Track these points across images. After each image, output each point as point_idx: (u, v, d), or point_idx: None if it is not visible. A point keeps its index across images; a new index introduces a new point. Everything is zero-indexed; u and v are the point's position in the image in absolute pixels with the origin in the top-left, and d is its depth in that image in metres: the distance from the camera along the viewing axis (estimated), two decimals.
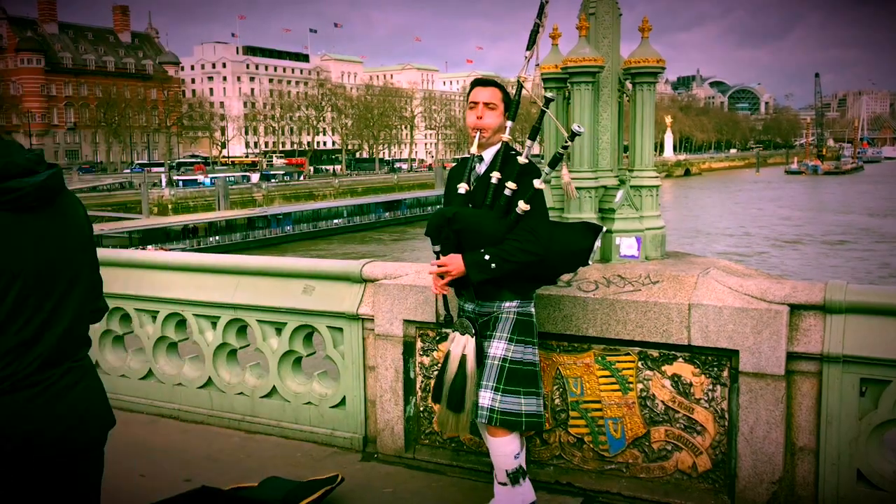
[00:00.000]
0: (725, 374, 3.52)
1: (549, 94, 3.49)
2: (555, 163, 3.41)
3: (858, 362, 3.30)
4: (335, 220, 56.50)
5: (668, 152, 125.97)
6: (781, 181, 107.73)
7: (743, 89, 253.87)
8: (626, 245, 4.14)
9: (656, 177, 4.34)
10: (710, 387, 3.55)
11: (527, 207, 3.17)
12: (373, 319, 4.29)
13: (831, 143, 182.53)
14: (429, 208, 62.02)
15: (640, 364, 3.67)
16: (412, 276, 4.21)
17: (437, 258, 3.27)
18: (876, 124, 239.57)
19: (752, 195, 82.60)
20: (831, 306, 3.36)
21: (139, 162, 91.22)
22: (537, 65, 3.47)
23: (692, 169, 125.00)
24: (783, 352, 3.37)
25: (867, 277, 34.21)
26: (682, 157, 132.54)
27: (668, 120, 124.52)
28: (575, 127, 3.32)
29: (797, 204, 72.27)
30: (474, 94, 3.36)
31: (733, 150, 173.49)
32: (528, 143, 3.37)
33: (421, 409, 4.22)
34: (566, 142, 3.35)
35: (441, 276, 3.24)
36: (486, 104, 3.32)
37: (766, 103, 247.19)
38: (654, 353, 3.63)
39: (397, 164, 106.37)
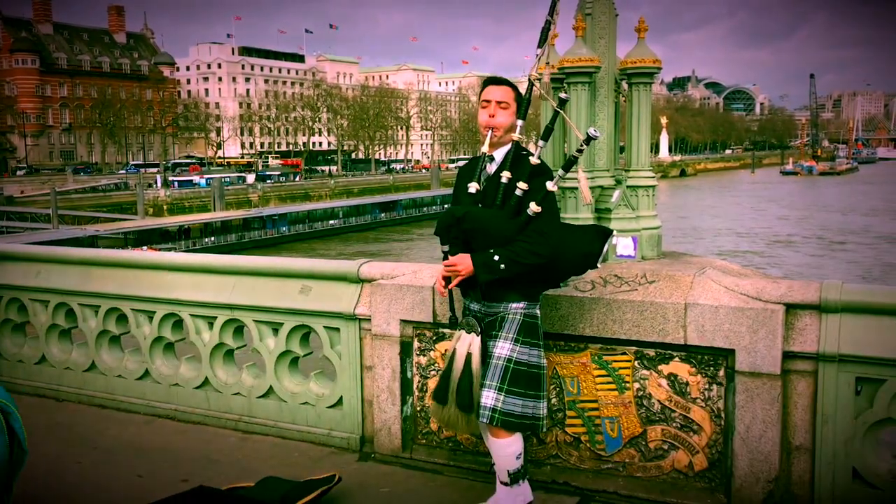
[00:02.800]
0: (721, 373, 3.53)
1: (563, 95, 3.48)
2: (569, 166, 3.39)
3: (854, 361, 3.31)
4: (331, 221, 56.43)
5: (664, 153, 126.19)
6: (777, 182, 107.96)
7: (738, 90, 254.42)
8: (623, 245, 4.15)
9: (652, 177, 4.36)
10: (707, 386, 3.56)
11: (538, 209, 3.15)
12: (370, 319, 4.30)
13: (826, 144, 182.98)
14: (425, 209, 62.07)
15: (636, 363, 3.68)
16: (409, 276, 4.21)
17: (445, 258, 3.26)
18: (870, 125, 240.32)
19: (748, 195, 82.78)
20: (827, 305, 3.38)
21: (134, 163, 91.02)
22: (548, 63, 3.45)
23: (688, 169, 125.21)
24: (779, 351, 3.38)
25: (864, 277, 34.31)
26: (677, 157, 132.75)
27: (664, 121, 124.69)
28: (591, 131, 3.27)
29: (793, 204, 72.43)
30: (487, 92, 3.34)
31: (728, 151, 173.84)
32: (541, 143, 3.35)
33: (418, 408, 4.22)
34: (581, 145, 3.33)
35: (449, 276, 3.23)
36: (498, 103, 3.29)
37: (762, 104, 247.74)
38: (651, 352, 3.64)
39: (393, 165, 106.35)
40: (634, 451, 3.71)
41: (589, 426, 3.79)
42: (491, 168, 3.33)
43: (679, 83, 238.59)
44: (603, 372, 3.74)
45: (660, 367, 3.63)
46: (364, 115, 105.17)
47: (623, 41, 4.41)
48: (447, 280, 3.25)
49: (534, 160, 3.25)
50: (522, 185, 3.18)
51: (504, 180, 3.23)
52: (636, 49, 4.21)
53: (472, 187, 3.31)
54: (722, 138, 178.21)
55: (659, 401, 3.64)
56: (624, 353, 3.70)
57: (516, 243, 3.13)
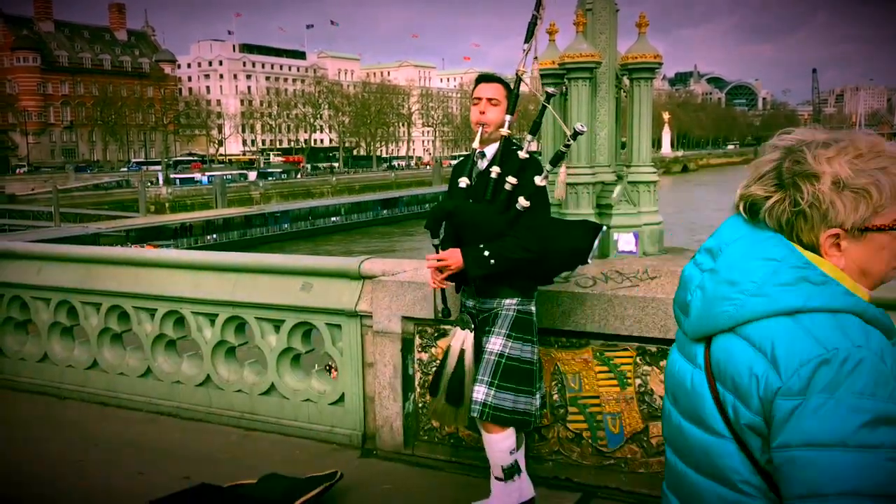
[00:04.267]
0: None
1: (550, 90, 3.49)
2: (556, 160, 3.41)
3: None
4: (333, 218, 56.45)
5: (666, 148, 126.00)
6: None
7: (740, 85, 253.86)
8: (624, 241, 4.15)
9: (654, 172, 4.35)
10: None
11: (527, 204, 3.17)
12: (371, 316, 4.29)
13: None
14: (426, 206, 62.04)
15: (638, 359, 3.67)
16: (410, 273, 4.21)
17: (437, 252, 3.28)
18: (873, 120, 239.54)
19: None
20: None
21: (136, 160, 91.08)
22: (535, 58, 3.47)
23: (690, 165, 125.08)
24: None
25: None
26: (679, 153, 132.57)
27: (666, 116, 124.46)
28: (578, 126, 3.29)
29: None
30: (478, 90, 3.37)
31: (731, 147, 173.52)
32: (529, 137, 3.37)
33: (420, 405, 4.22)
34: (568, 140, 3.34)
35: (440, 270, 3.25)
36: (489, 100, 3.32)
37: (764, 99, 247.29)
38: (653, 348, 3.63)
39: (395, 162, 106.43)
40: (636, 447, 3.71)
41: (591, 422, 3.78)
42: (482, 164, 3.35)
43: (681, 78, 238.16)
44: (605, 368, 3.74)
45: (662, 363, 3.63)
46: (365, 112, 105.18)
47: (624, 37, 4.40)
48: (441, 271, 3.27)
49: (522, 154, 3.26)
50: (511, 180, 3.19)
51: (493, 175, 3.24)
52: (637, 44, 4.20)
53: (463, 182, 3.33)
54: (724, 134, 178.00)
55: (661, 396, 3.64)
56: (626, 349, 3.69)
57: (506, 238, 3.14)
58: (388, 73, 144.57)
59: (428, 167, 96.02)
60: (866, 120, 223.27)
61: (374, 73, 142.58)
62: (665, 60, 4.28)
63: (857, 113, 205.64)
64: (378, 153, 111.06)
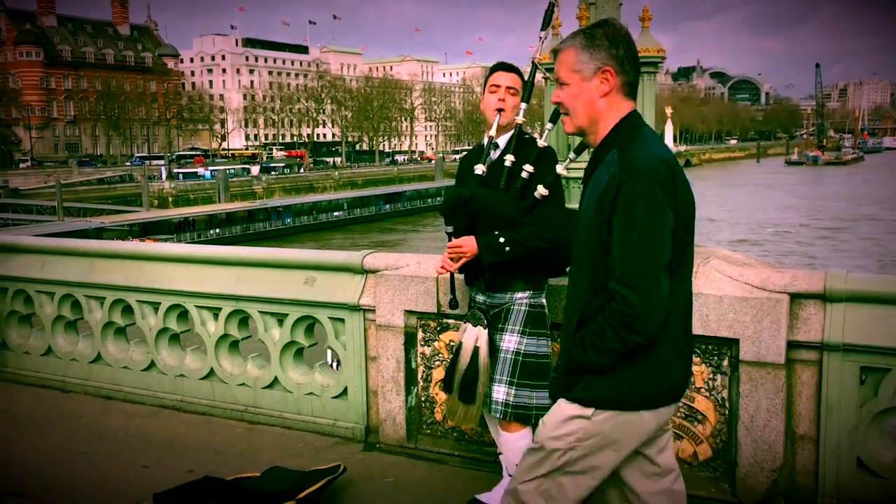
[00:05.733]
0: (726, 362, 3.53)
1: None
2: (581, 149, 3.40)
3: (858, 350, 3.30)
4: (335, 213, 56.47)
5: (669, 143, 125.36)
6: (782, 172, 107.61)
7: (743, 80, 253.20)
8: None
9: None
10: (711, 376, 3.56)
11: (546, 192, 3.15)
12: (374, 310, 4.30)
13: (832, 134, 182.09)
14: (429, 200, 62.04)
15: None
16: (413, 267, 4.22)
17: (450, 239, 3.25)
18: (877, 114, 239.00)
19: (753, 185, 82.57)
20: (832, 295, 3.37)
21: (139, 155, 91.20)
22: (541, 39, 3.45)
23: (693, 160, 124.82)
24: (783, 340, 3.38)
25: (871, 266, 34.21)
26: (682, 148, 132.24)
27: (669, 111, 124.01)
28: None
29: (799, 193, 72.24)
30: (497, 77, 3.33)
31: (733, 141, 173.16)
32: (549, 126, 3.34)
33: (423, 399, 4.23)
34: None
35: (454, 258, 3.22)
36: (508, 88, 3.30)
37: (767, 94, 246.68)
38: None
39: (396, 157, 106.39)
40: None
41: None
42: (495, 154, 3.33)
43: (684, 73, 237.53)
44: None
45: None
46: (368, 107, 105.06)
47: (629, 30, 4.40)
48: (454, 261, 3.23)
49: (541, 143, 3.25)
50: (528, 168, 3.17)
51: (508, 164, 3.23)
52: (640, 38, 4.20)
53: (479, 169, 3.31)
54: (727, 129, 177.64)
55: None
56: None
57: (522, 226, 3.13)
58: (391, 67, 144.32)
59: (431, 162, 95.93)
60: (869, 115, 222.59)
61: (377, 68, 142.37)
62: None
63: (860, 108, 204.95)
64: (381, 148, 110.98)
